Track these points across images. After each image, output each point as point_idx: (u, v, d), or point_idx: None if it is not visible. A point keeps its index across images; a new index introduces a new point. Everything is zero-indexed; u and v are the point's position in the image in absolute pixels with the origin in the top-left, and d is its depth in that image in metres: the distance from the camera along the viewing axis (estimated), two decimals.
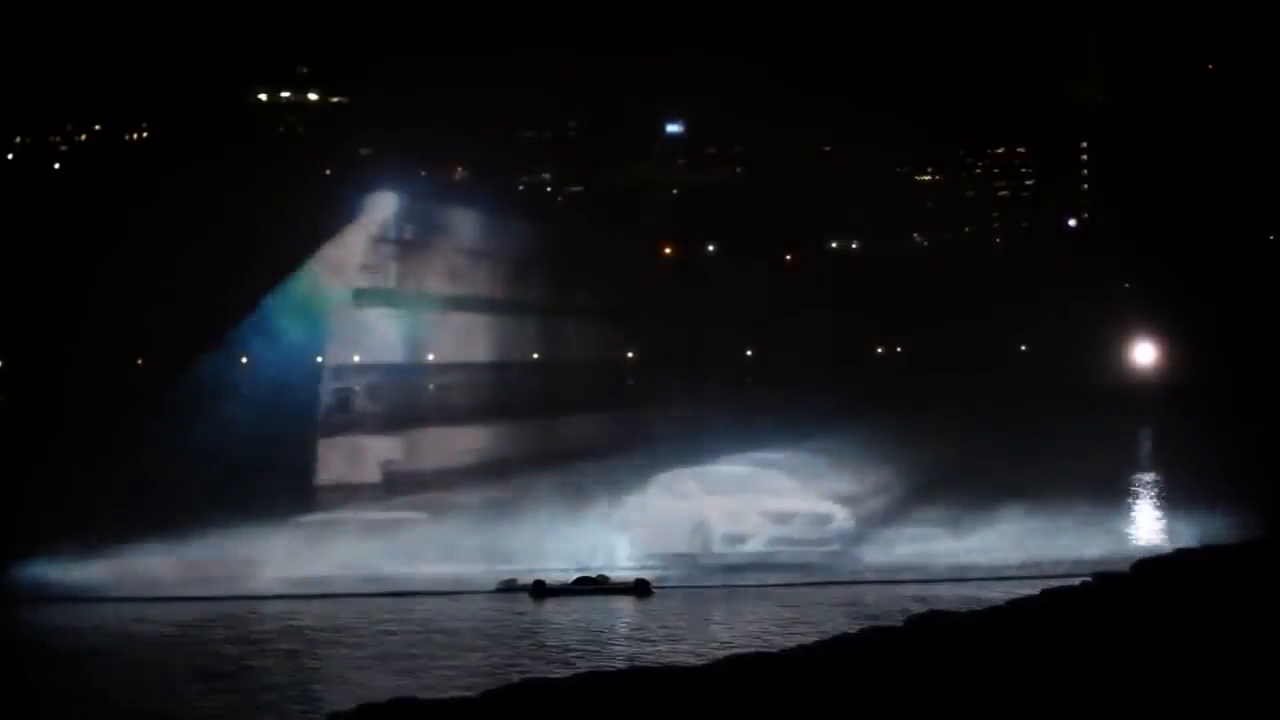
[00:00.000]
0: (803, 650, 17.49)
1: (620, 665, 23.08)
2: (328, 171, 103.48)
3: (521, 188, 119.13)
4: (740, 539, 34.22)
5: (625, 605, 30.23)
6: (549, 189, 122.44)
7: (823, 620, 27.08)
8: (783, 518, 34.34)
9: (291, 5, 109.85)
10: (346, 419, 43.45)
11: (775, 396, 67.35)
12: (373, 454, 43.48)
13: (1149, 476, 51.46)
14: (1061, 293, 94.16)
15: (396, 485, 42.58)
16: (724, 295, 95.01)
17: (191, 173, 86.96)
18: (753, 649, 21.89)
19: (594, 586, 31.59)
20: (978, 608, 21.25)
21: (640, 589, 31.28)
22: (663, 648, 25.40)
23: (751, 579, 32.29)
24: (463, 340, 50.95)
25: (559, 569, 32.46)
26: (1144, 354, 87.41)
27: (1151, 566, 24.09)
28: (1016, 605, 20.83)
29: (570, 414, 55.73)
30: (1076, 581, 24.89)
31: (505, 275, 53.16)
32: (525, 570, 32.23)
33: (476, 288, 50.74)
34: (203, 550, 33.44)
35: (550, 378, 60.21)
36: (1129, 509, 43.30)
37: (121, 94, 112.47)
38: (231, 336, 47.96)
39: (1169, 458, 56.10)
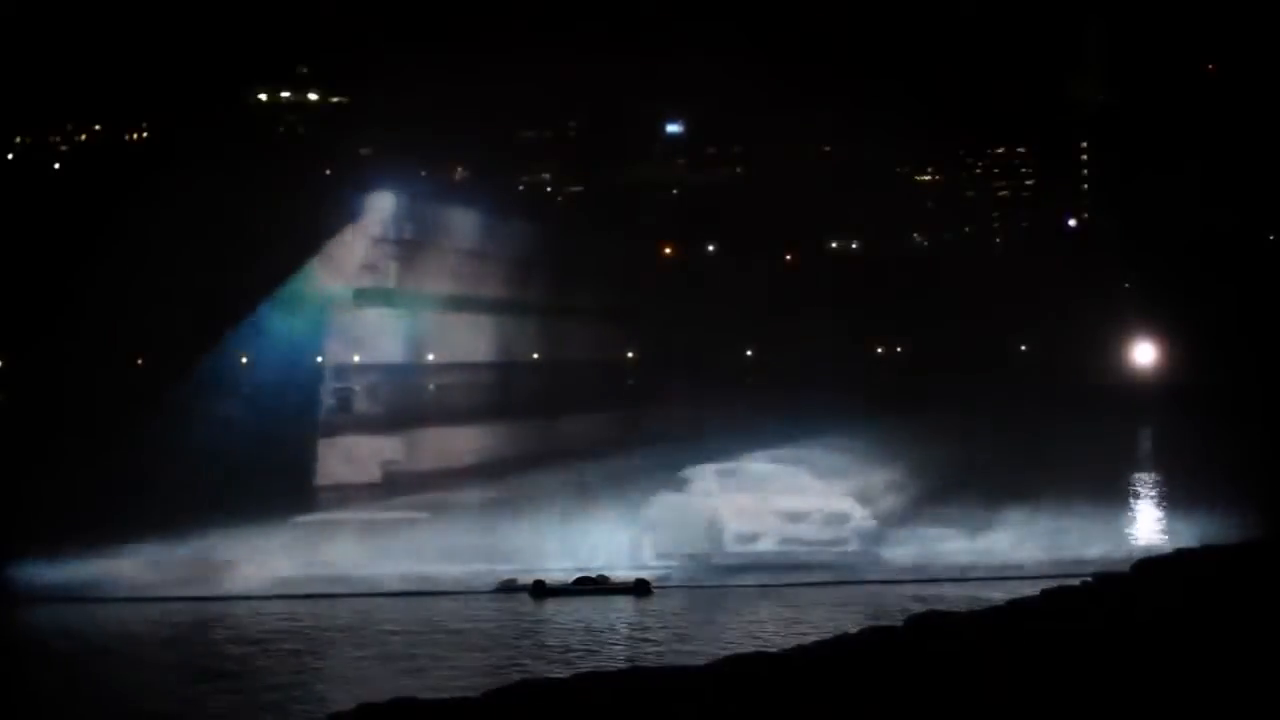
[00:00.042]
0: (802, 650, 17.48)
1: (620, 665, 23.09)
2: (328, 171, 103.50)
3: (521, 188, 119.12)
4: (751, 538, 34.10)
5: (625, 605, 30.24)
6: (549, 189, 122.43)
7: (823, 620, 27.09)
8: (793, 516, 34.24)
9: (291, 5, 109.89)
10: (346, 419, 43.47)
11: (775, 396, 67.35)
12: (373, 454, 43.50)
13: (1149, 476, 51.45)
14: (1061, 293, 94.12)
15: (396, 485, 42.58)
16: (724, 295, 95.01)
17: (191, 173, 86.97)
18: (753, 649, 21.90)
19: (594, 586, 31.58)
20: (978, 608, 21.26)
21: (640, 589, 31.28)
22: (663, 648, 25.41)
23: (751, 579, 32.27)
24: (463, 340, 50.96)
25: (560, 569, 32.45)
26: (1144, 354, 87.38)
27: (1151, 566, 24.08)
28: (1016, 605, 20.82)
29: (570, 414, 55.72)
30: (1076, 581, 24.88)
31: (505, 275, 53.18)
32: (527, 570, 32.23)
33: (476, 288, 50.76)
34: (203, 550, 33.45)
35: (550, 378, 60.19)
36: (1129, 509, 43.30)
37: (121, 94, 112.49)
38: (231, 336, 48.00)
39: (1169, 458, 56.07)
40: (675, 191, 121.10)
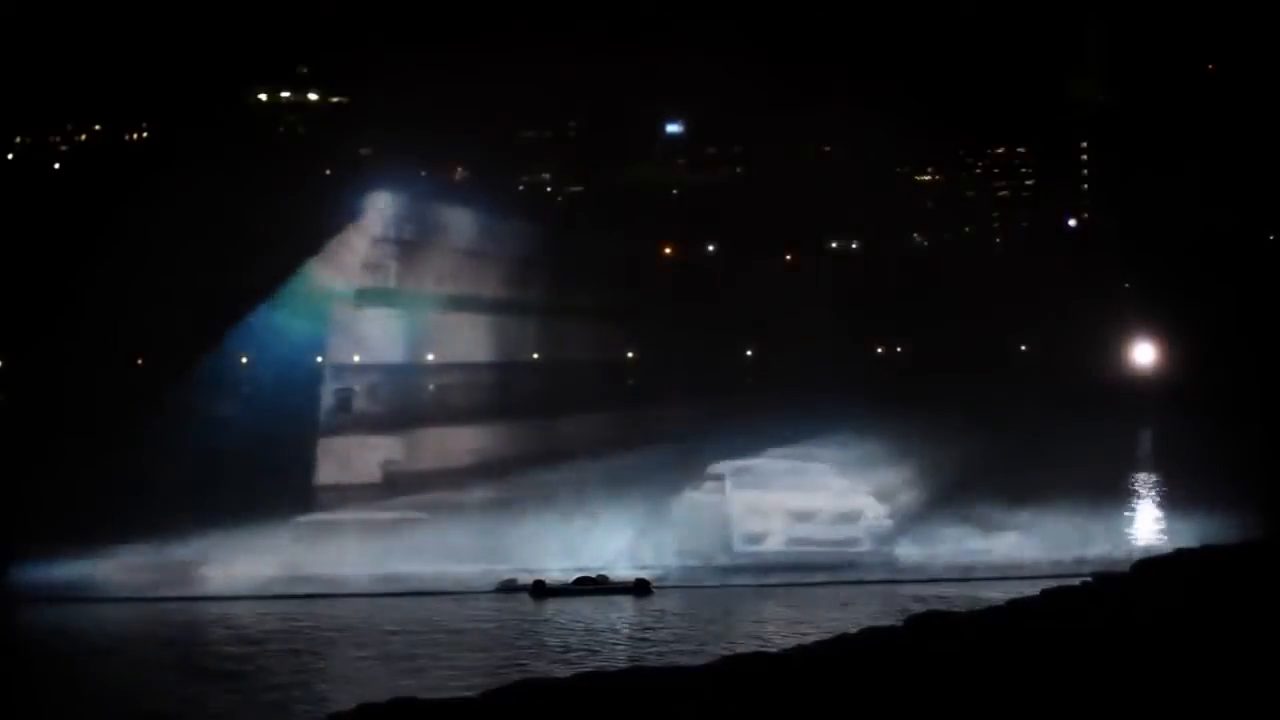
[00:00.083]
0: (802, 650, 17.49)
1: (620, 665, 23.08)
2: (328, 171, 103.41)
3: (521, 188, 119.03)
4: (759, 538, 33.96)
5: (625, 605, 30.22)
6: (549, 189, 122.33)
7: (823, 619, 27.08)
8: (803, 515, 34.09)
9: (291, 5, 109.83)
10: (346, 419, 43.46)
11: (775, 396, 67.34)
12: (373, 454, 43.49)
13: (1149, 476, 51.43)
14: (1061, 293, 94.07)
15: (396, 485, 42.58)
16: (724, 295, 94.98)
17: (191, 173, 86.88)
18: (752, 648, 21.90)
19: (594, 586, 31.57)
20: (978, 608, 21.26)
21: (640, 589, 31.26)
22: (663, 648, 25.41)
23: (751, 579, 32.24)
24: (463, 340, 50.93)
25: (571, 569, 32.41)
26: (1144, 354, 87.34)
27: (1151, 566, 24.09)
28: (1016, 605, 20.83)
29: (570, 414, 55.69)
30: (1076, 581, 24.90)
31: (505, 275, 53.18)
32: (528, 570, 32.21)
33: (476, 288, 50.76)
34: (203, 550, 33.44)
35: (550, 378, 60.15)
36: (1129, 509, 43.29)
37: (121, 94, 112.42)
38: (231, 336, 48.01)
39: (1169, 458, 56.05)
40: (675, 191, 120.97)
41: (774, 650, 19.49)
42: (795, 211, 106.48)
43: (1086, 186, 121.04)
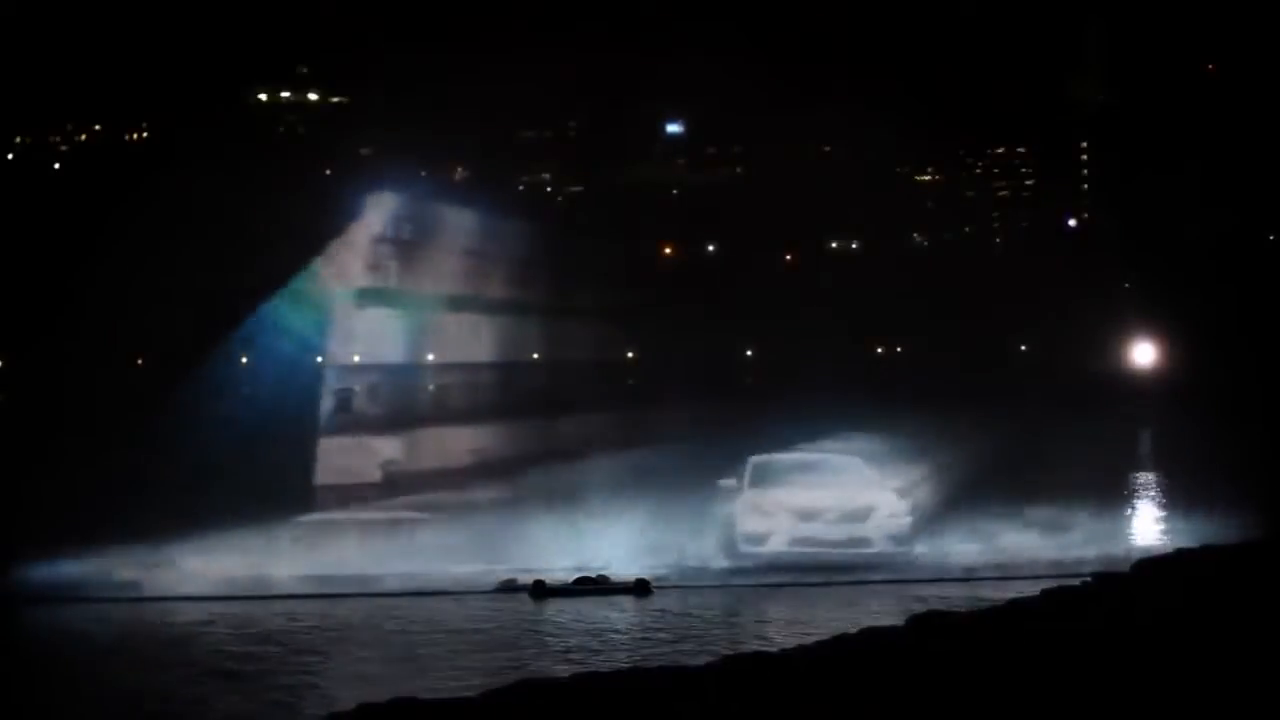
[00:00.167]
0: (803, 650, 17.50)
1: (620, 665, 23.08)
2: (328, 171, 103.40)
3: (521, 188, 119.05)
4: (762, 538, 33.81)
5: (626, 605, 30.23)
6: (549, 189, 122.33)
7: (823, 619, 27.08)
8: (808, 514, 33.93)
9: (291, 5, 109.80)
10: (346, 419, 43.46)
11: (775, 396, 67.36)
12: (373, 454, 43.48)
13: (1149, 476, 51.46)
14: (1061, 293, 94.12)
15: (396, 485, 42.58)
16: (724, 295, 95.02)
17: (191, 173, 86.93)
18: (753, 648, 21.90)
19: (594, 586, 31.57)
20: (978, 607, 21.27)
21: (640, 588, 31.26)
22: (663, 648, 25.40)
23: (752, 579, 32.23)
24: (463, 340, 50.94)
25: (561, 569, 32.41)
26: (1144, 354, 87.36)
27: (1151, 566, 24.10)
28: (1016, 605, 20.84)
29: (570, 414, 55.73)
30: (1076, 581, 24.90)
31: (505, 275, 53.20)
32: (528, 570, 32.21)
33: (476, 288, 50.78)
34: (203, 550, 33.45)
35: (551, 378, 60.18)
36: (1129, 509, 43.31)
37: (121, 94, 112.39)
38: (231, 336, 48.04)
39: (1169, 457, 56.08)
40: (675, 191, 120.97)
41: (774, 650, 19.50)
42: (795, 211, 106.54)
43: (1086, 186, 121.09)
